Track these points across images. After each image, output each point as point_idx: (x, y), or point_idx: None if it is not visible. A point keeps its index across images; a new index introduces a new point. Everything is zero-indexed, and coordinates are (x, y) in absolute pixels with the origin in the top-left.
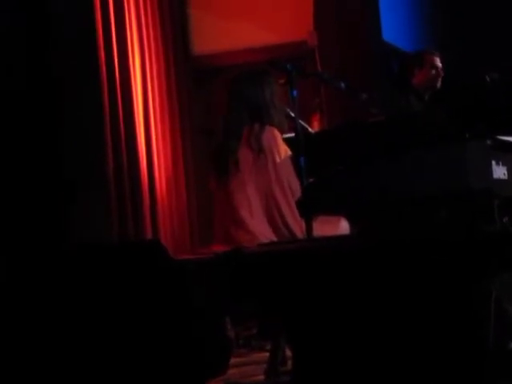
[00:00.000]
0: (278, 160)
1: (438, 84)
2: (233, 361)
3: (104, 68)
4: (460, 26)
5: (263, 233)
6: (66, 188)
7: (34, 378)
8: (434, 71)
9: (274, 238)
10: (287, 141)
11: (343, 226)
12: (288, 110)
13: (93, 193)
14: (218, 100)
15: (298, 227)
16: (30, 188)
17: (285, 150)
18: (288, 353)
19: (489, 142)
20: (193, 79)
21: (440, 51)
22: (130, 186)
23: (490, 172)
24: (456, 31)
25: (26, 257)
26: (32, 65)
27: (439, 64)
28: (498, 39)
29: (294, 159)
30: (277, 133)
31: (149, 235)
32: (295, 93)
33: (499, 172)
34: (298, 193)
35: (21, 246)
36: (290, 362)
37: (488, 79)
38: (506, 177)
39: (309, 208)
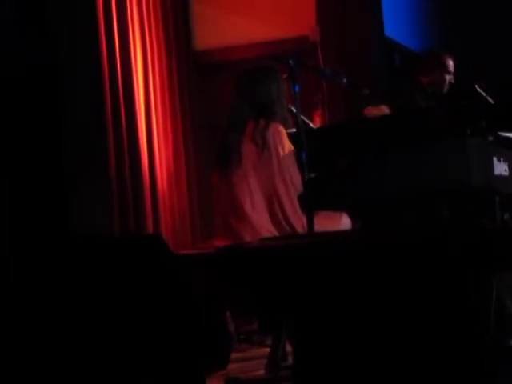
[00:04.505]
0: (281, 155)
1: (446, 89)
2: (233, 356)
3: (106, 63)
4: (462, 23)
5: (264, 226)
6: (66, 183)
7: (32, 364)
8: (447, 76)
9: (275, 232)
10: (289, 136)
11: (344, 222)
12: (290, 105)
13: (94, 188)
14: (220, 95)
15: (299, 222)
16: (31, 181)
17: (288, 146)
18: (289, 348)
19: (490, 138)
20: (195, 74)
21: (444, 48)
22: (131, 182)
23: (492, 168)
24: (458, 28)
25: (27, 249)
26: (32, 53)
27: (453, 69)
28: (498, 36)
29: (296, 154)
30: (281, 129)
31: (150, 230)
32: (297, 88)
33: (500, 168)
34: (300, 188)
35: (22, 238)
36: (290, 358)
37: (478, 88)
38: (507, 173)
39: (310, 203)
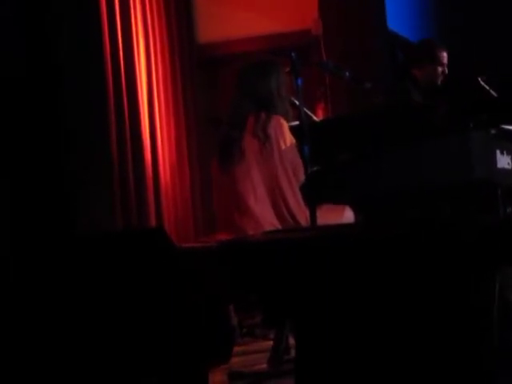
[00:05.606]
0: (283, 148)
1: (439, 81)
2: (236, 349)
3: (109, 57)
4: (463, 18)
5: (268, 219)
6: (69, 178)
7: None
8: (441, 68)
9: (279, 225)
10: (292, 129)
11: (347, 215)
12: (292, 98)
13: (97, 182)
14: (222, 88)
15: (302, 215)
16: (33, 179)
17: (290, 139)
18: (291, 341)
19: (493, 131)
20: (197, 67)
21: (444, 42)
22: (134, 175)
23: (494, 161)
24: (459, 22)
25: (31, 246)
26: (33, 51)
27: (446, 61)
28: (500, 31)
29: (299, 147)
30: (283, 122)
31: (153, 223)
32: (300, 81)
33: (503, 161)
34: (303, 181)
35: (23, 235)
36: (293, 351)
37: (481, 81)
38: (510, 166)
39: (313, 196)
